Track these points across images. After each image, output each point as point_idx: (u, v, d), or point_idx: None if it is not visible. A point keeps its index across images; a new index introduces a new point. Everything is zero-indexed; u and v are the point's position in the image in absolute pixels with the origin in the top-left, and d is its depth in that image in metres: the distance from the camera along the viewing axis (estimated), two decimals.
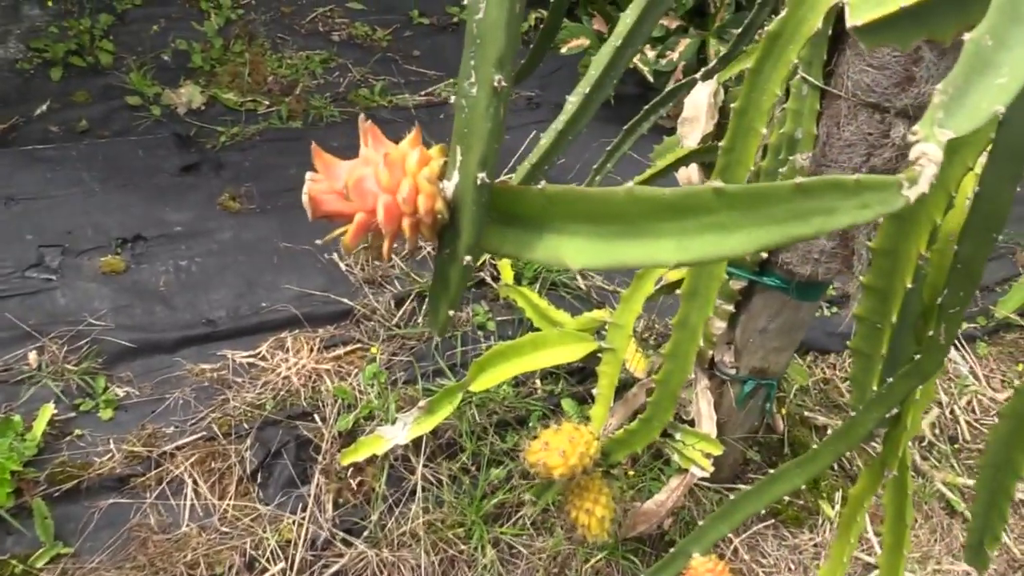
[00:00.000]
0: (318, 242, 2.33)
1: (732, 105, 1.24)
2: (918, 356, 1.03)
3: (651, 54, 2.83)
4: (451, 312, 0.61)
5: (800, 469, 1.18)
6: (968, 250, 0.93)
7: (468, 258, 0.57)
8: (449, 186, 0.56)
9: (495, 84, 0.52)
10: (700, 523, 1.26)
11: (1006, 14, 0.57)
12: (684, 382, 1.37)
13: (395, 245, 0.58)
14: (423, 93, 3.14)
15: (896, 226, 1.04)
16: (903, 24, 0.69)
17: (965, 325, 2.71)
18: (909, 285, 1.06)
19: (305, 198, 0.57)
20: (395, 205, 0.55)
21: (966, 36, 0.56)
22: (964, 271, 0.95)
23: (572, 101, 1.12)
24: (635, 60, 2.86)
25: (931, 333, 1.01)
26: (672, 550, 1.30)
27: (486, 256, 2.37)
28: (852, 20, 0.68)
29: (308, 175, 0.58)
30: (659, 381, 1.37)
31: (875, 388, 1.14)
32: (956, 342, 2.66)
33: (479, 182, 0.54)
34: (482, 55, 0.53)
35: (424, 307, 2.25)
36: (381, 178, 0.55)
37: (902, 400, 1.15)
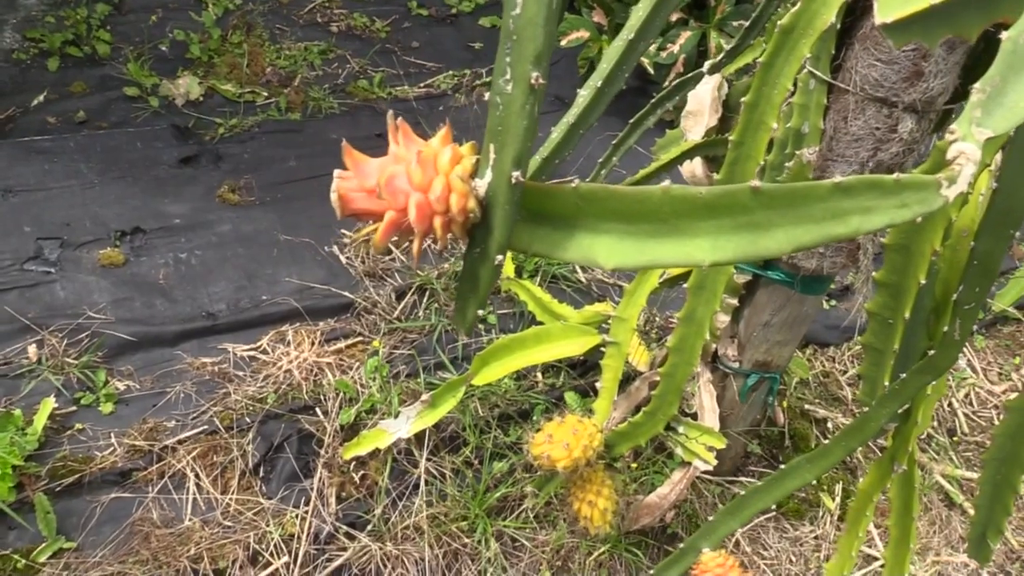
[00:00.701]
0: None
1: (743, 99, 1.23)
2: (932, 352, 1.03)
3: (652, 47, 2.82)
4: (479, 311, 0.60)
5: (810, 465, 1.19)
6: (985, 246, 0.93)
7: (500, 257, 0.57)
8: (481, 184, 0.56)
9: (532, 81, 0.52)
10: (710, 518, 1.26)
11: None
12: (689, 375, 1.37)
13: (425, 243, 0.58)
14: (422, 85, 3.12)
15: (910, 222, 1.04)
16: (930, 21, 0.68)
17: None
18: (923, 281, 1.06)
19: (334, 196, 0.56)
20: (427, 204, 0.54)
21: (1003, 35, 0.56)
22: (981, 267, 0.95)
23: (583, 94, 1.11)
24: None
25: (946, 329, 1.00)
26: (682, 545, 1.30)
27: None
28: (881, 17, 0.67)
29: (336, 172, 0.57)
30: (664, 374, 1.37)
31: (887, 384, 1.15)
32: None
33: (514, 180, 0.54)
34: (519, 52, 0.52)
35: (425, 300, 2.24)
36: (413, 176, 0.54)
37: (914, 395, 1.15)
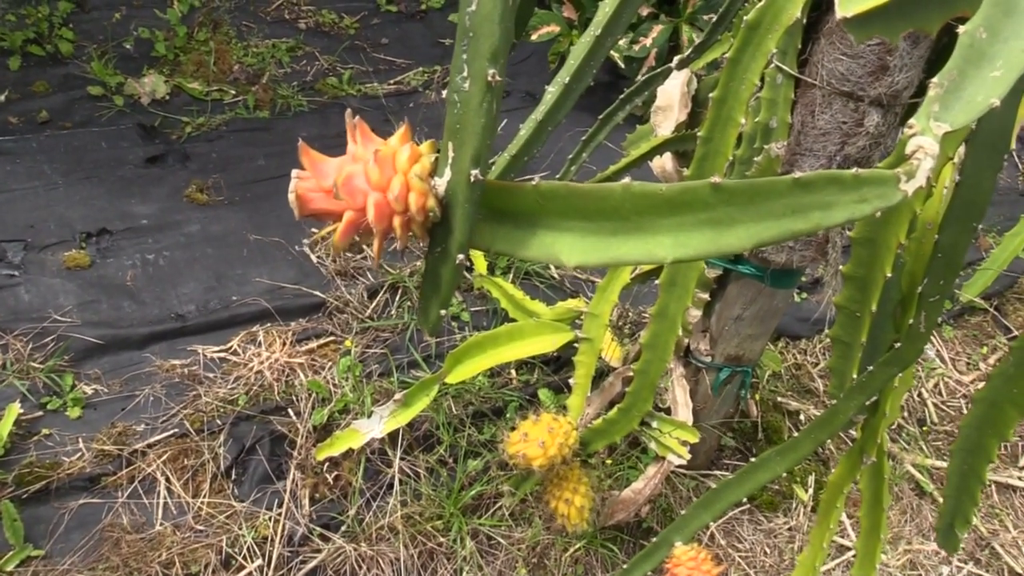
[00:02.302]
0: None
1: (711, 95, 1.23)
2: (898, 344, 1.04)
3: (623, 42, 2.82)
4: (442, 312, 0.60)
5: (780, 457, 1.19)
6: (949, 238, 0.93)
7: (461, 256, 0.56)
8: (441, 183, 0.55)
9: (489, 79, 0.51)
10: (682, 512, 1.27)
11: (1000, 7, 0.57)
12: (663, 371, 1.37)
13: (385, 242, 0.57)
14: (392, 82, 3.10)
15: (872, 216, 1.05)
16: (891, 16, 0.69)
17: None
18: (888, 274, 1.07)
19: (292, 196, 0.55)
20: (386, 203, 0.53)
21: (960, 30, 0.56)
22: (945, 260, 0.95)
23: (551, 91, 1.11)
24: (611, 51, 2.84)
25: (911, 321, 1.01)
26: (655, 539, 1.31)
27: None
28: (842, 11, 0.67)
29: (294, 173, 0.56)
30: (638, 371, 1.37)
31: (855, 376, 1.15)
32: None
33: (473, 179, 0.53)
34: (475, 49, 0.51)
35: (398, 299, 2.23)
36: (371, 176, 0.53)
37: (882, 388, 1.16)
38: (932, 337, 2.69)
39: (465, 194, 0.54)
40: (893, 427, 2.37)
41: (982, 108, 0.53)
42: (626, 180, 0.54)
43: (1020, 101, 0.86)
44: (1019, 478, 2.32)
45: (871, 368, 1.08)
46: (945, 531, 1.39)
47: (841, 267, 1.15)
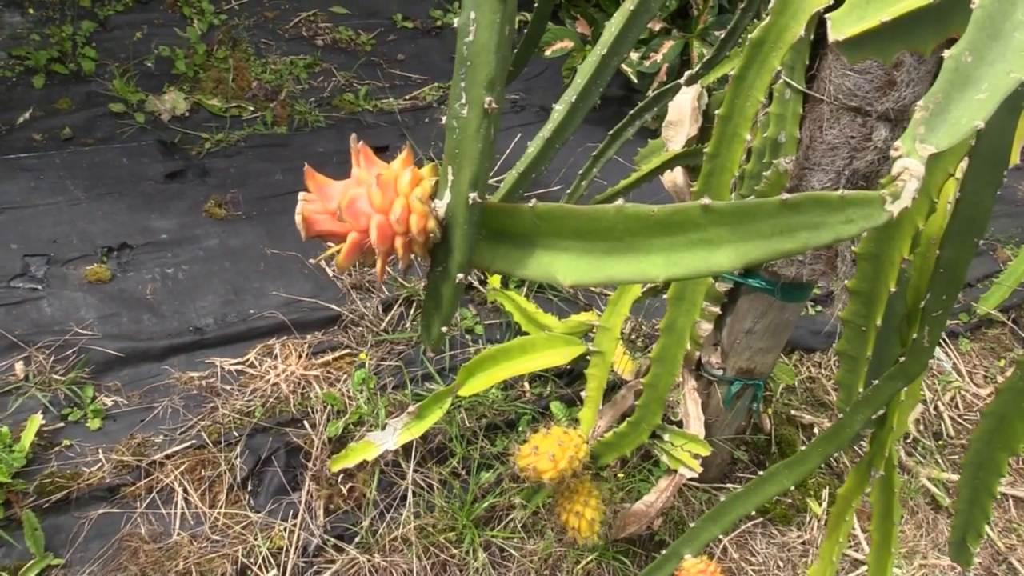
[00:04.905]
0: (311, 261, 2.34)
1: (717, 111, 1.25)
2: (903, 358, 1.05)
3: (635, 56, 2.84)
4: (444, 329, 0.61)
5: (789, 471, 1.20)
6: (950, 254, 0.94)
7: (461, 276, 0.58)
8: (441, 205, 0.57)
9: (485, 106, 0.53)
10: (691, 524, 1.28)
11: (985, 30, 0.58)
12: (672, 385, 1.38)
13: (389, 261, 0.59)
14: (408, 97, 3.14)
15: (879, 231, 1.06)
16: (884, 38, 0.70)
17: (948, 322, 2.74)
18: (893, 289, 1.08)
19: (299, 218, 0.57)
20: (388, 225, 0.55)
21: (946, 54, 0.57)
22: (947, 275, 0.96)
23: (559, 109, 1.13)
24: (622, 64, 2.87)
25: (915, 336, 1.02)
26: (664, 552, 1.32)
27: None
28: (834, 34, 0.69)
29: (301, 195, 0.59)
30: (647, 384, 1.39)
31: (861, 390, 1.16)
32: (941, 341, 2.69)
33: (471, 202, 0.55)
34: (472, 77, 0.53)
35: (412, 312, 2.25)
36: (374, 199, 0.56)
37: (888, 401, 1.17)
38: (949, 350, 2.68)
39: (464, 216, 0.56)
40: (908, 440, 2.36)
41: (967, 130, 0.55)
42: (619, 202, 0.56)
43: (1019, 118, 0.87)
44: None
45: (876, 382, 1.08)
46: (958, 545, 1.39)
47: (846, 282, 1.16)
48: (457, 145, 0.55)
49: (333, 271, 2.34)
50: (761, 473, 1.21)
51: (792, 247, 0.54)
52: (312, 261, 2.34)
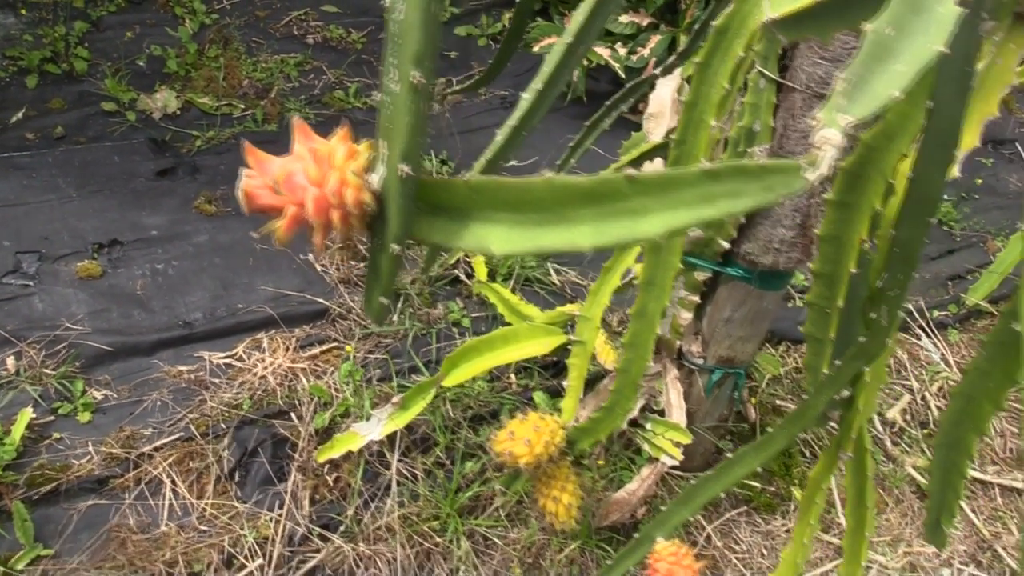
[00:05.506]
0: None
1: (682, 99, 1.27)
2: (863, 339, 1.06)
3: (623, 51, 2.86)
4: (384, 300, 0.63)
5: (756, 452, 1.22)
6: (904, 234, 0.96)
7: (397, 248, 0.60)
8: (376, 179, 0.59)
9: (414, 81, 0.55)
10: (662, 508, 1.29)
11: (907, 4, 0.60)
12: (644, 370, 1.40)
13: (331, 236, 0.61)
14: None
15: (838, 213, 1.08)
16: (821, 16, 0.72)
17: (936, 313, 2.76)
18: (853, 270, 1.09)
19: (240, 193, 0.59)
20: (323, 197, 0.57)
21: (866, 27, 0.59)
22: (901, 255, 0.98)
23: (526, 98, 1.15)
24: (607, 57, 2.89)
25: (874, 316, 1.04)
26: (636, 536, 1.33)
27: (459, 254, 2.40)
28: (770, 13, 0.70)
29: (242, 171, 0.61)
30: (620, 370, 1.40)
31: (826, 372, 1.18)
32: (927, 329, 2.70)
33: (402, 175, 0.57)
34: (401, 53, 0.55)
35: (400, 306, 2.27)
36: (309, 172, 0.57)
37: (851, 382, 1.18)
38: (937, 341, 2.69)
39: (397, 188, 0.58)
40: (895, 430, 2.38)
41: (884, 100, 0.56)
42: (548, 174, 0.58)
43: (968, 99, 0.88)
44: (1023, 480, 2.32)
45: (838, 363, 1.10)
46: (932, 526, 1.40)
47: (810, 264, 1.17)
48: (389, 120, 0.57)
49: (322, 266, 2.36)
50: (730, 455, 1.23)
51: (713, 214, 0.55)
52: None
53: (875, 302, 1.07)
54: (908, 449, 2.31)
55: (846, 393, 1.22)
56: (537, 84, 1.09)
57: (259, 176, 0.60)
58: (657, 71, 1.66)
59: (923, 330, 2.67)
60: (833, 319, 1.14)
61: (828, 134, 0.56)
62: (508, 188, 0.59)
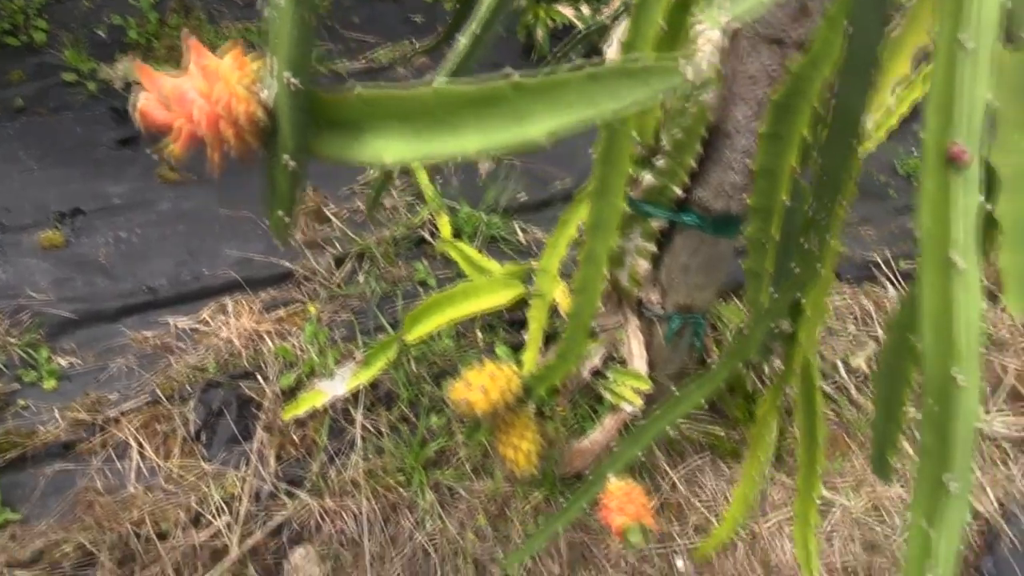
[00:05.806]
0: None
1: (619, 39, 1.27)
2: (795, 268, 1.08)
3: (587, 10, 2.85)
4: (282, 214, 0.64)
5: (699, 388, 1.23)
6: (829, 160, 0.97)
7: (291, 161, 0.61)
8: (265, 91, 0.60)
9: None
10: (614, 447, 1.31)
11: None
12: (594, 314, 1.41)
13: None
14: (363, 58, 3.15)
15: (770, 145, 1.09)
16: None
17: (904, 264, 2.78)
18: (787, 201, 1.11)
19: (134, 111, 0.60)
20: (213, 111, 0.58)
21: None
22: (829, 181, 0.99)
23: (463, 42, 1.16)
24: (571, 16, 2.88)
25: (805, 245, 1.05)
26: (589, 475, 1.35)
27: (425, 215, 2.40)
28: None
29: (140, 92, 0.61)
30: (570, 315, 1.42)
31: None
32: (894, 280, 2.73)
33: (291, 86, 0.58)
34: None
35: (365, 266, 2.28)
36: (199, 86, 0.58)
37: (792, 315, 1.20)
38: (903, 290, 2.71)
39: (286, 100, 0.59)
40: (860, 378, 2.41)
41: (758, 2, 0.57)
42: (436, 81, 0.59)
43: (884, 24, 0.89)
44: (985, 422, 2.35)
45: (774, 293, 1.12)
46: (878, 459, 1.43)
47: (747, 199, 1.18)
48: (276, 34, 0.58)
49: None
50: (675, 392, 1.25)
51: (594, 113, 0.56)
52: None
53: (807, 231, 1.08)
54: (873, 396, 2.34)
55: (788, 328, 1.24)
56: (474, 28, 1.11)
57: (153, 94, 0.60)
58: (607, 18, 1.66)
59: (889, 280, 2.69)
60: (770, 252, 1.15)
61: (707, 32, 0.57)
62: (398, 99, 0.60)
